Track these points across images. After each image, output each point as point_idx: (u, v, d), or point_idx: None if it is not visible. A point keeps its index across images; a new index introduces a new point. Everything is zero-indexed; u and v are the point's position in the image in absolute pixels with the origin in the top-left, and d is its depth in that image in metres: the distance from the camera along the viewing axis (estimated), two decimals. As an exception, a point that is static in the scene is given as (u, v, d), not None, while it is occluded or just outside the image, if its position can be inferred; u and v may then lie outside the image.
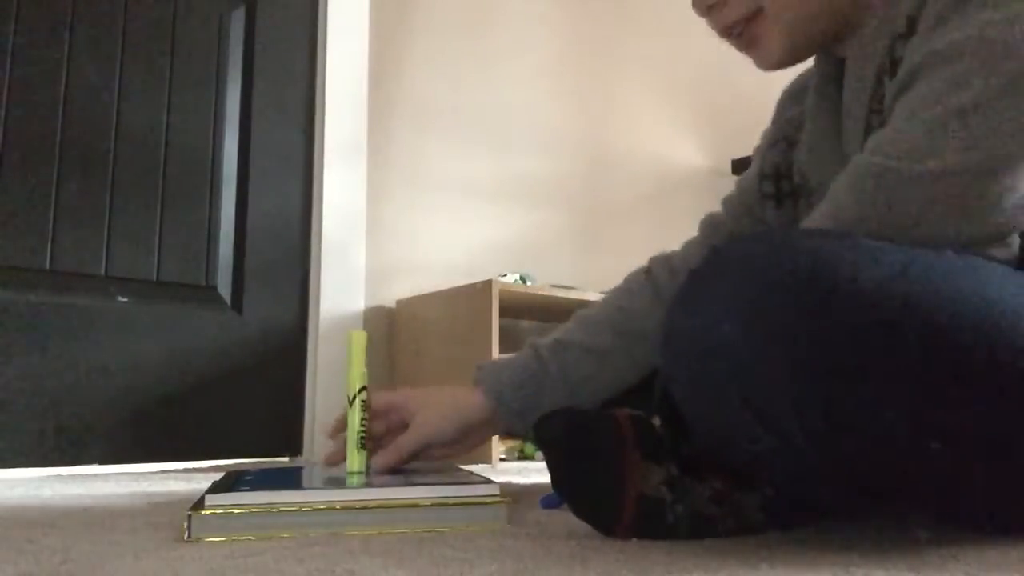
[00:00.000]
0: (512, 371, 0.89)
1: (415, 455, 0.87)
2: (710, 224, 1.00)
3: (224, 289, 1.68)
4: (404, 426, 0.88)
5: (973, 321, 0.54)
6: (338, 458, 0.88)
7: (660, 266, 0.97)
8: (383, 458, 0.84)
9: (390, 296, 1.86)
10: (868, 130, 0.73)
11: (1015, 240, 0.65)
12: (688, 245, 1.01)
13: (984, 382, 0.54)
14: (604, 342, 0.91)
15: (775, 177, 0.90)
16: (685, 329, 0.57)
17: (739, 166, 2.52)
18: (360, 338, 0.83)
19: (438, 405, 0.88)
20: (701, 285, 0.58)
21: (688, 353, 0.57)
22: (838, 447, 0.54)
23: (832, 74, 0.82)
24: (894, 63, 0.71)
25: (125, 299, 1.55)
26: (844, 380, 0.52)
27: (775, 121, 0.95)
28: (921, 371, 0.53)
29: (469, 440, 0.91)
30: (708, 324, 0.55)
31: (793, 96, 0.95)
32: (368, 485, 0.72)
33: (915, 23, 0.69)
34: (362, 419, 0.82)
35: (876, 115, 0.73)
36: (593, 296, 1.71)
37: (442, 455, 0.91)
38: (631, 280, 0.98)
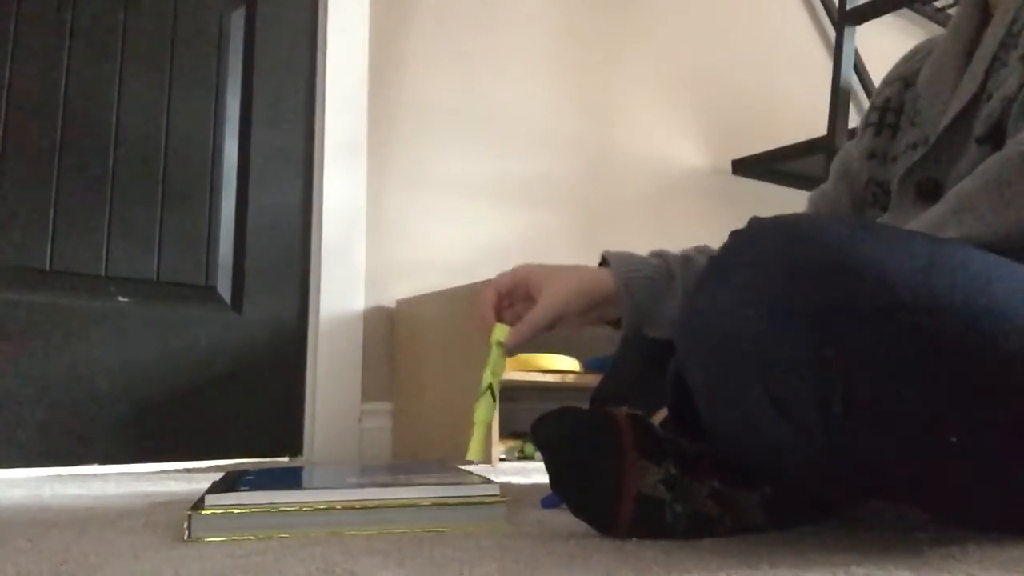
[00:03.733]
0: (641, 265, 0.86)
1: (548, 328, 0.83)
2: (818, 195, 1.01)
3: (224, 289, 1.68)
4: (530, 301, 0.84)
5: (997, 316, 0.54)
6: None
7: None
8: (516, 334, 0.82)
9: (390, 296, 1.86)
10: (991, 69, 0.76)
11: None
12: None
13: (1006, 378, 0.54)
14: None
15: (883, 108, 0.93)
16: (706, 312, 0.57)
17: (739, 166, 2.52)
18: (501, 331, 0.81)
19: (566, 279, 0.84)
20: (724, 269, 0.57)
21: (708, 336, 0.57)
22: (854, 437, 0.53)
23: (971, 15, 0.85)
24: None
25: (125, 299, 1.55)
26: (867, 370, 0.52)
27: (894, 68, 0.98)
28: (944, 364, 0.53)
29: (593, 315, 0.87)
30: (730, 308, 0.55)
31: (916, 49, 0.97)
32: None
33: None
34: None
35: (1001, 57, 0.76)
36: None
37: (571, 327, 0.87)
38: None
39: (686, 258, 0.87)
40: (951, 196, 0.69)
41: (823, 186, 1.01)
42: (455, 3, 2.07)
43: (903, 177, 0.82)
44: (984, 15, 0.84)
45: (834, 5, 2.66)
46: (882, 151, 0.91)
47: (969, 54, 0.83)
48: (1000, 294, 0.55)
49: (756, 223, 0.59)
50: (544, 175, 2.16)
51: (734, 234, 0.59)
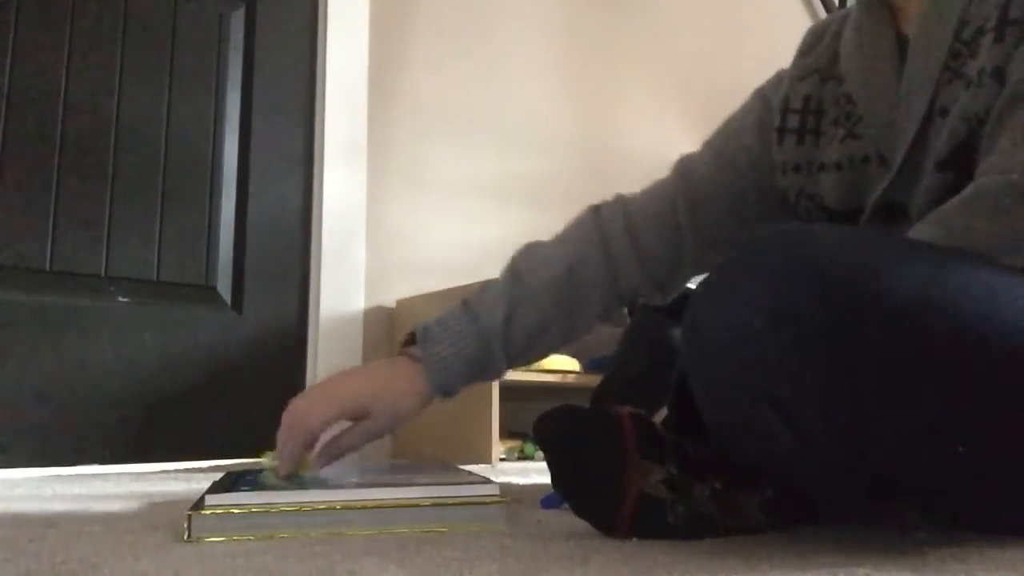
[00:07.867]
0: (462, 365, 0.84)
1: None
2: (687, 172, 0.95)
3: (224, 289, 1.68)
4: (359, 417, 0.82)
5: (1004, 327, 0.53)
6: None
7: (614, 215, 0.94)
8: (324, 454, 0.80)
9: (390, 296, 1.86)
10: (941, 80, 0.72)
11: None
12: (656, 189, 0.97)
13: (1011, 388, 0.54)
14: (545, 316, 0.87)
15: (803, 111, 0.85)
16: (712, 323, 0.57)
17: (739, 166, 2.52)
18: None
19: (394, 404, 0.82)
20: (731, 279, 0.57)
21: (714, 347, 0.57)
22: (860, 448, 0.53)
23: (878, 10, 0.80)
24: (1005, 22, 0.69)
25: (125, 299, 1.55)
26: (874, 382, 0.52)
27: (799, 57, 0.90)
28: (951, 375, 0.53)
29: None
30: (737, 319, 0.54)
31: (817, 35, 0.90)
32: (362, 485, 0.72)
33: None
34: None
35: (953, 67, 0.72)
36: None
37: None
38: (582, 230, 0.96)
39: (507, 319, 0.85)
40: (947, 223, 0.64)
41: (697, 167, 0.94)
42: (455, 3, 2.07)
43: (874, 205, 0.79)
44: (887, 6, 0.80)
45: (834, 5, 2.66)
46: (807, 161, 0.84)
47: (902, 51, 0.77)
48: (1004, 305, 0.54)
49: (762, 233, 0.59)
50: (544, 175, 2.16)
51: (739, 244, 0.59)
